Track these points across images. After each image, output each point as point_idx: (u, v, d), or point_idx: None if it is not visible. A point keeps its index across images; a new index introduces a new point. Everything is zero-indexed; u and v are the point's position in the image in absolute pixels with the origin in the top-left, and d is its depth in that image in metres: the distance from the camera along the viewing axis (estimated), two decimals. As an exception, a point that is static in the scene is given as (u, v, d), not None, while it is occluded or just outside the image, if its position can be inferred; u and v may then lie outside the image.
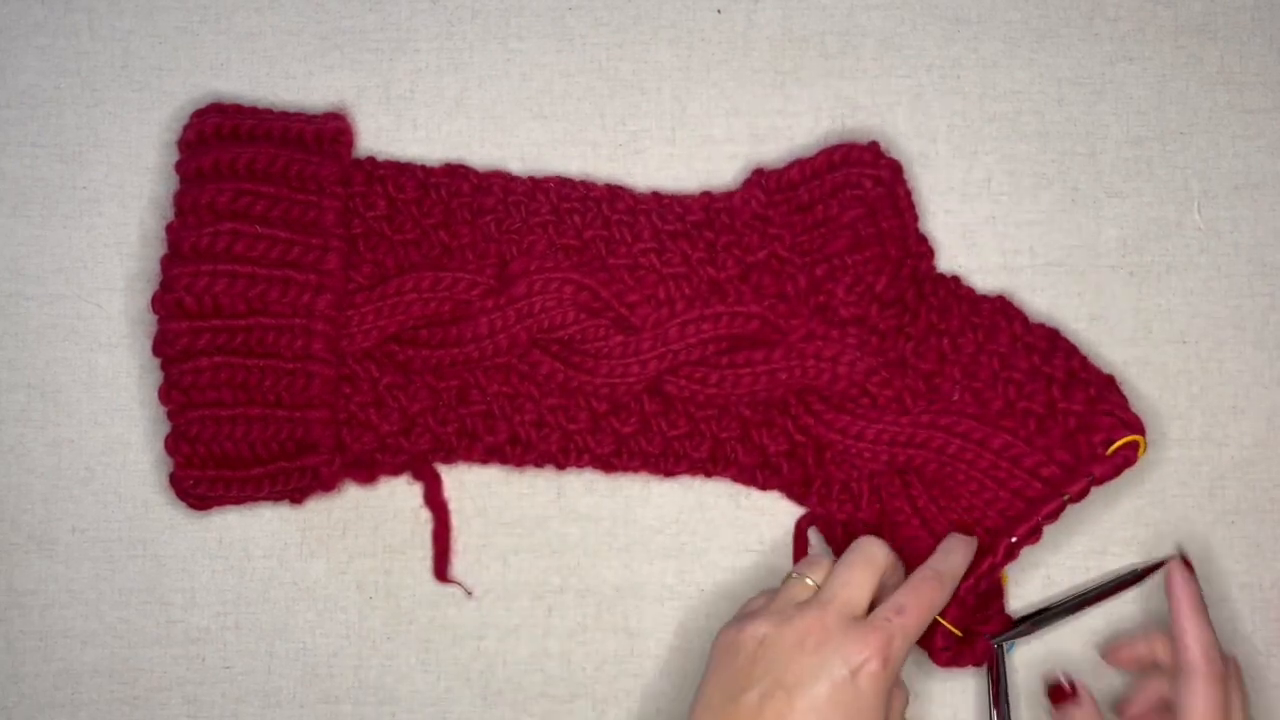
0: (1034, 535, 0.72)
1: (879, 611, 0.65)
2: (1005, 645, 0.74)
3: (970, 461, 0.73)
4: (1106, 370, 0.77)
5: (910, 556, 0.75)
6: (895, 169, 0.77)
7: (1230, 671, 0.69)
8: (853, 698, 0.61)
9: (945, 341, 0.75)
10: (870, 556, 0.67)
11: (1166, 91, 0.80)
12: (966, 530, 0.74)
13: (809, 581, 0.68)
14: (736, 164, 0.80)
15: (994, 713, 0.74)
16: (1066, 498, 0.71)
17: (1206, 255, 0.80)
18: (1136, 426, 0.73)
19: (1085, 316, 0.79)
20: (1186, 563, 0.73)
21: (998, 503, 0.73)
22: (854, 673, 0.62)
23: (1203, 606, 0.70)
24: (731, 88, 0.81)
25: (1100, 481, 0.71)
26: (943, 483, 0.74)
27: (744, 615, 0.68)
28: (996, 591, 0.75)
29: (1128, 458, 0.72)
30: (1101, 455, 0.71)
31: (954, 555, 0.69)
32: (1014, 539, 0.71)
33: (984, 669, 0.75)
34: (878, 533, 0.75)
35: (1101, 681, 0.76)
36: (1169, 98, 0.80)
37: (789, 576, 0.70)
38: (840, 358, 0.74)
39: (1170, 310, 0.79)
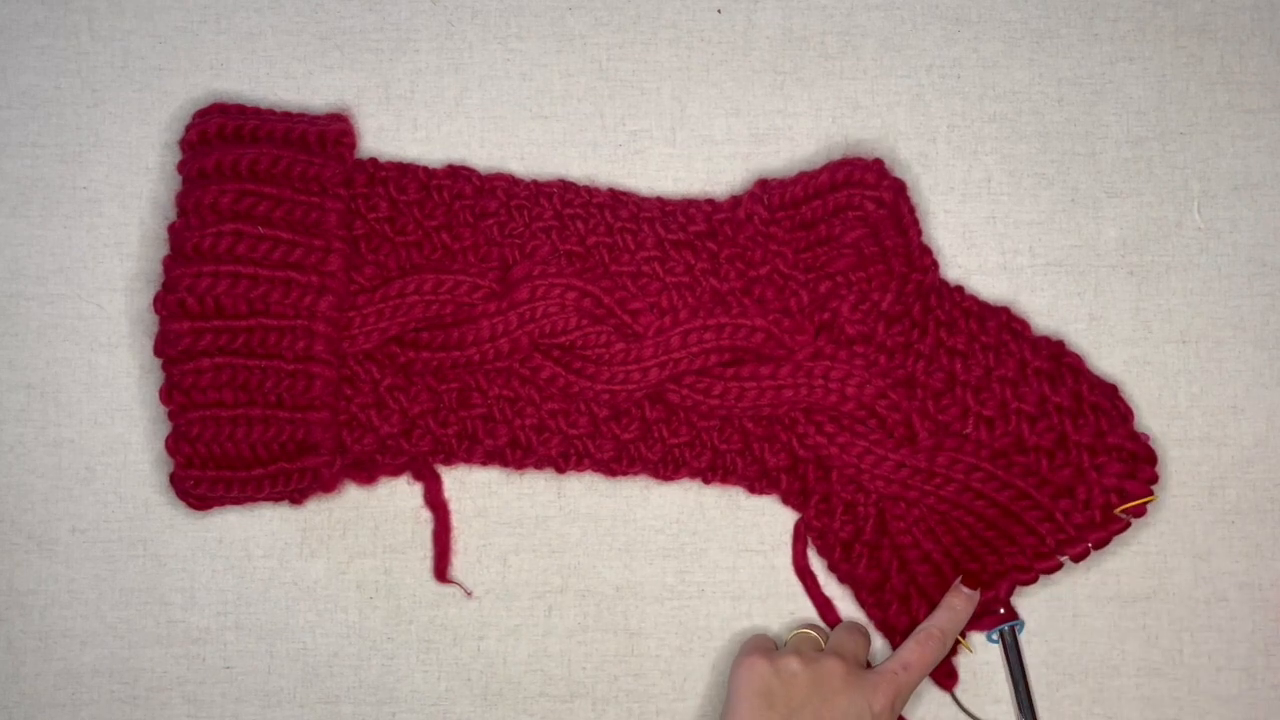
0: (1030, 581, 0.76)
1: (890, 665, 0.74)
2: (1017, 627, 0.77)
3: (980, 510, 0.75)
4: (1107, 371, 0.78)
5: (913, 578, 0.76)
6: (898, 189, 0.76)
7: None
8: None
9: (957, 363, 0.76)
10: (863, 628, 0.77)
11: (1166, 91, 0.80)
12: (967, 560, 0.76)
13: (813, 634, 0.76)
14: (737, 165, 0.80)
15: (1015, 687, 0.77)
16: (1064, 559, 0.75)
17: (1206, 255, 0.80)
18: (1146, 455, 0.75)
19: (1085, 316, 0.79)
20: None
21: (1000, 547, 0.76)
22: (873, 713, 0.72)
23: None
24: (731, 88, 0.80)
25: (1100, 547, 0.75)
26: (948, 519, 0.75)
27: (765, 651, 0.74)
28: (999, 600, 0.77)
29: (1130, 519, 0.76)
30: (1105, 520, 0.75)
31: (957, 613, 0.75)
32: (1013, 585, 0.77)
33: (1000, 654, 0.78)
34: (878, 553, 0.76)
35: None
36: (1169, 98, 0.80)
37: (794, 631, 0.77)
38: (849, 380, 0.75)
39: (1170, 310, 0.79)
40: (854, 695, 0.71)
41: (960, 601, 0.75)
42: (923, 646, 0.74)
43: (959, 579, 0.75)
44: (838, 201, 0.76)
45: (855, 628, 0.76)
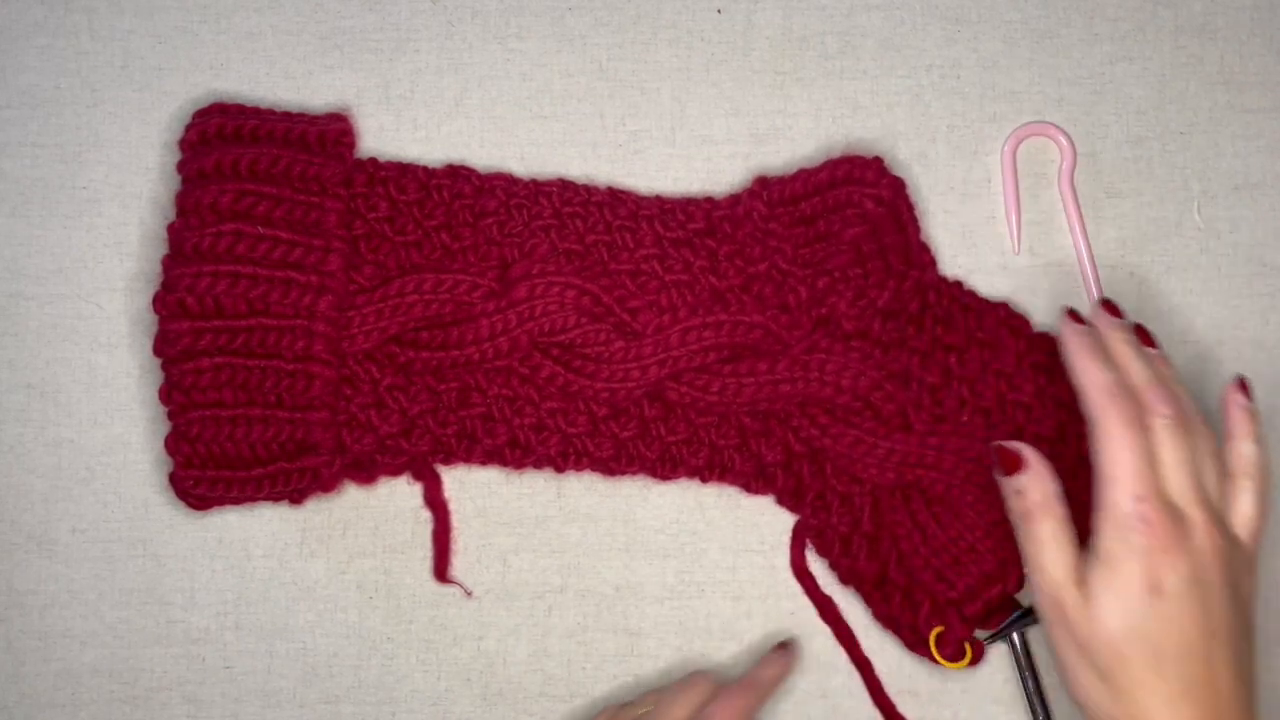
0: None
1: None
2: (1024, 629, 0.76)
3: (980, 486, 0.74)
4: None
5: (909, 571, 0.75)
6: (898, 186, 0.76)
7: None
8: None
9: (952, 357, 0.76)
10: (695, 683, 0.74)
11: (1166, 91, 0.80)
12: (966, 550, 0.75)
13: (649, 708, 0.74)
14: (737, 164, 0.80)
15: (1028, 691, 0.76)
16: None
17: (1206, 255, 0.80)
18: None
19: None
20: (1074, 316, 0.72)
21: (1000, 526, 0.75)
22: None
23: (1097, 350, 0.69)
24: (731, 88, 0.81)
25: None
26: (946, 501, 0.75)
27: None
28: (1005, 604, 0.76)
29: None
30: None
31: (771, 668, 0.75)
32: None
33: (1009, 656, 0.77)
34: (877, 544, 0.76)
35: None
36: (1169, 98, 0.80)
37: (631, 703, 0.76)
38: (844, 372, 0.75)
39: (1170, 310, 0.79)
40: None
41: (775, 659, 0.75)
42: (730, 699, 0.72)
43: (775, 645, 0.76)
44: (837, 198, 0.76)
45: (694, 684, 0.74)
